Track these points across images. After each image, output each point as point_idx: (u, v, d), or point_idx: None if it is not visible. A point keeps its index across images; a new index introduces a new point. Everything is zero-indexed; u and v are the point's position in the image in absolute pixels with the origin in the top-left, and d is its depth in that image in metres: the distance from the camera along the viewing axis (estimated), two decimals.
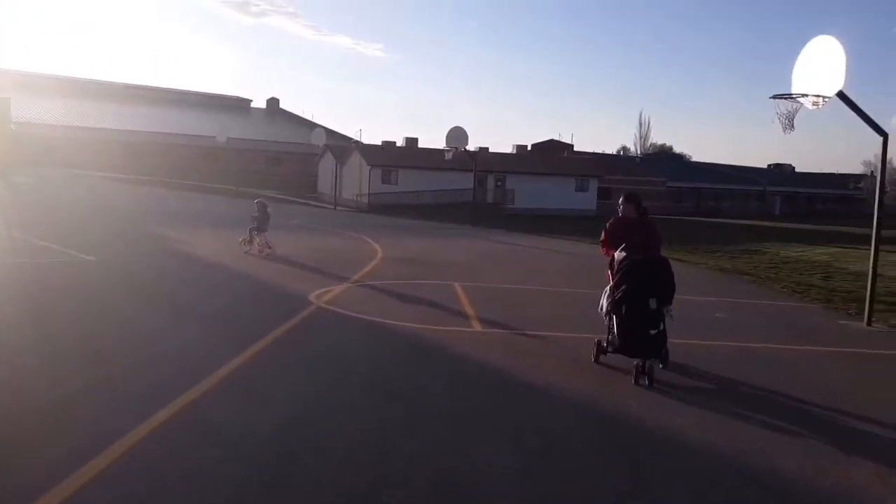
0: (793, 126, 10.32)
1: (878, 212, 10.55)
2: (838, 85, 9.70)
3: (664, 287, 6.50)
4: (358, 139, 61.91)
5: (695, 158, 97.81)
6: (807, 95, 10.00)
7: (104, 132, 59.40)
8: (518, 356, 7.24)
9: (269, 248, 15.08)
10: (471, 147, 61.44)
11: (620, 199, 7.37)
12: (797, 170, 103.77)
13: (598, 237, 7.76)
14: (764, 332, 9.51)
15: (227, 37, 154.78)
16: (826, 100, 9.99)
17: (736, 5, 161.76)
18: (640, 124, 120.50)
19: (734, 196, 79.58)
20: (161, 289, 10.65)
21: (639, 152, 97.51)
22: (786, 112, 10.29)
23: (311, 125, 67.74)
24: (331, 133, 68.84)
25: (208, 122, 64.50)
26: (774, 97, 10.34)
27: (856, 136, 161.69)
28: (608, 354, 6.80)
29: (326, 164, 54.31)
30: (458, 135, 29.19)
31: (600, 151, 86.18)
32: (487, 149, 59.99)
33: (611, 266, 6.89)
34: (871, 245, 10.65)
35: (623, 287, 6.46)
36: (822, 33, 9.94)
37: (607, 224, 7.31)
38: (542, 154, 62.04)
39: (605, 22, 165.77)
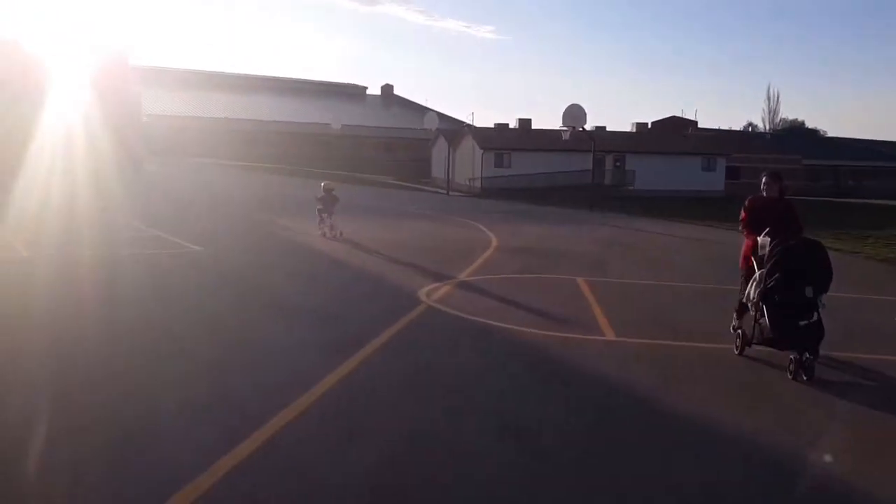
0: None
1: None
2: None
3: (822, 274, 6.02)
4: (470, 122, 61.00)
5: (831, 134, 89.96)
6: None
7: (226, 122, 61.72)
8: (666, 376, 6.00)
9: (337, 232, 14.99)
10: (588, 126, 59.41)
11: (763, 178, 6.98)
12: None
13: (733, 221, 6.99)
14: None
15: (342, 26, 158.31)
16: None
17: None
18: (769, 98, 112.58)
19: (878, 174, 72.63)
20: (265, 283, 10.04)
21: (768, 128, 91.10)
22: None
23: (425, 110, 67.44)
24: (443, 117, 68.38)
25: (324, 110, 65.65)
26: None
27: None
28: (752, 346, 6.45)
29: (439, 149, 53.78)
30: (575, 113, 27.49)
31: (726, 128, 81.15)
32: (605, 128, 57.51)
33: (752, 250, 6.55)
34: None
35: (777, 275, 6.00)
36: None
37: (746, 203, 6.98)
38: (664, 132, 58.69)
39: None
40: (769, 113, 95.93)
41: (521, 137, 51.36)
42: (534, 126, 55.49)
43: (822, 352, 6.01)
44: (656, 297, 9.85)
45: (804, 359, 5.90)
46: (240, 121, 63.09)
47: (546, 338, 7.12)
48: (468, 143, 49.98)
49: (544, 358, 6.52)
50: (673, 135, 58.23)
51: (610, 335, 7.38)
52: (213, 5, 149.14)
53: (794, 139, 74.62)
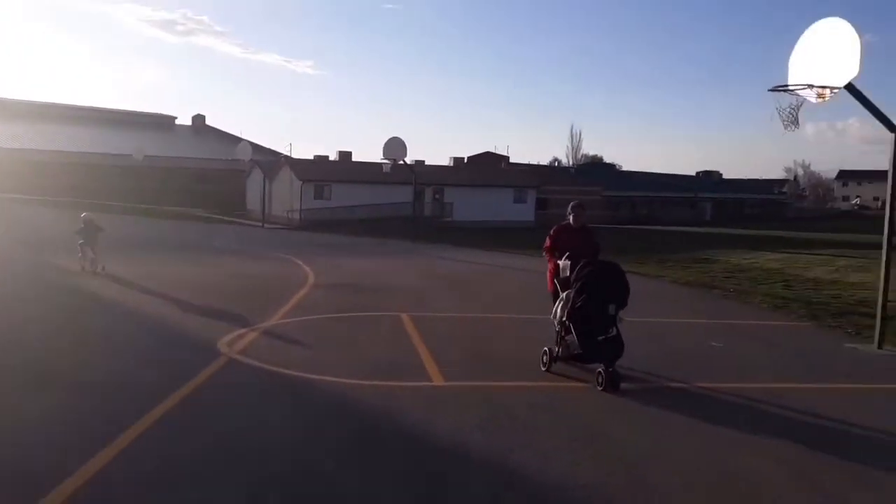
0: (797, 122, 8.83)
1: (889, 218, 9.17)
2: (851, 74, 8.27)
3: (622, 293, 6.64)
4: (288, 154, 59.28)
5: (626, 168, 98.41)
6: (811, 87, 8.53)
7: (14, 152, 54.93)
8: (503, 427, 5.36)
9: (98, 266, 14.24)
10: (408, 160, 59.99)
11: (570, 208, 7.70)
12: (724, 176, 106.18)
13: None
14: (775, 365, 7.94)
15: (154, 57, 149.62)
16: (834, 92, 8.55)
17: (656, 18, 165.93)
18: (572, 136, 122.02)
19: (667, 203, 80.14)
20: (23, 339, 8.25)
21: (572, 163, 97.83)
22: (787, 107, 8.80)
23: (239, 141, 64.67)
24: (259, 149, 65.82)
25: (127, 140, 60.65)
26: (774, 90, 8.84)
27: (778, 143, 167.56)
28: (558, 362, 6.93)
29: (255, 181, 51.53)
30: (395, 146, 27.19)
31: (535, 163, 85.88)
32: (423, 161, 58.30)
33: (556, 273, 7.12)
34: (882, 255, 9.25)
35: (584, 295, 6.55)
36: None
37: (552, 231, 7.61)
38: (479, 166, 60.69)
39: (533, 38, 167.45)
40: (572, 149, 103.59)
41: (342, 169, 50.56)
42: (354, 159, 54.98)
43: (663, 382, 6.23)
44: (482, 331, 9.32)
45: (610, 370, 6.43)
46: (31, 151, 56.41)
47: (368, 390, 6.26)
48: (286, 175, 48.31)
49: (366, 416, 5.62)
50: (488, 168, 60.35)
51: (438, 380, 6.66)
52: (16, 32, 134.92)
53: (595, 173, 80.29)
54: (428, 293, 12.87)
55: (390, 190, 47.33)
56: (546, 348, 7.07)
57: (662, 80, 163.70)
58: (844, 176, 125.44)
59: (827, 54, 8.45)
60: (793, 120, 8.81)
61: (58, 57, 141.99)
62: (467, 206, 50.10)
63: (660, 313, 11.24)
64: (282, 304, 10.70)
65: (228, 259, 18.72)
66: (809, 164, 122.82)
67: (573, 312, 6.60)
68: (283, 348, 7.87)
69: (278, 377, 6.64)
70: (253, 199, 52.11)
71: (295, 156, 58.53)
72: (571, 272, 6.77)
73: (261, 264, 17.79)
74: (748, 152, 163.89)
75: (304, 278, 14.44)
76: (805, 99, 8.70)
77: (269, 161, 53.30)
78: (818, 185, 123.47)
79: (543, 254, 7.64)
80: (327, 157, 56.47)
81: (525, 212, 52.82)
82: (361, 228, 38.07)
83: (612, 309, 6.52)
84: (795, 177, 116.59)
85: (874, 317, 11.35)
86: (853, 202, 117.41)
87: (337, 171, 49.73)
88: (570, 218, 7.60)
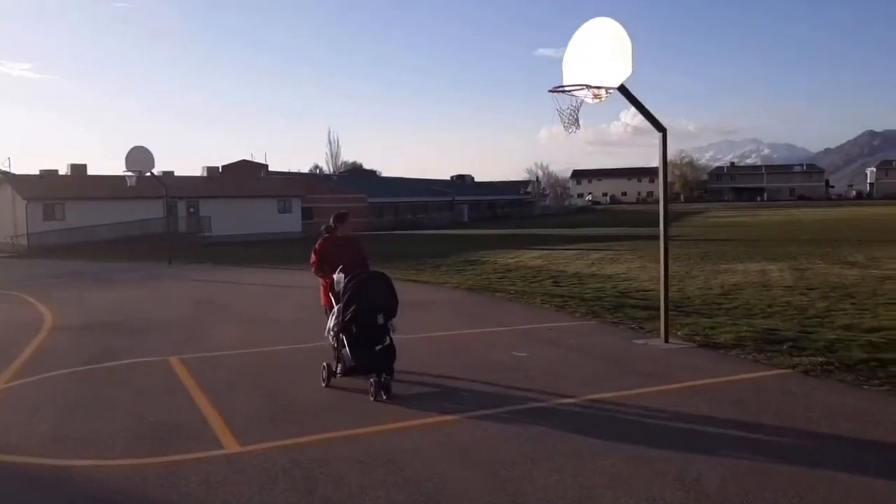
0: (577, 123, 8.82)
1: (664, 211, 9.53)
2: (625, 74, 8.39)
3: (390, 302, 6.72)
4: (7, 169, 51.32)
5: (385, 174, 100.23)
6: (588, 87, 8.55)
7: None
8: (330, 501, 4.33)
9: None
10: (155, 171, 54.94)
11: (333, 219, 7.49)
12: (476, 179, 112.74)
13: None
14: (584, 372, 7.75)
15: None
16: (609, 92, 8.65)
17: (409, 26, 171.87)
18: (330, 143, 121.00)
19: (428, 208, 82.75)
20: None
21: (332, 170, 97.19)
22: (567, 108, 8.74)
23: None
24: None
25: None
26: (553, 91, 8.73)
27: (519, 147, 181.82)
28: (338, 376, 6.88)
29: None
30: (140, 157, 24.18)
31: (295, 170, 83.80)
32: (173, 172, 53.82)
33: (330, 287, 7.00)
34: (661, 250, 9.58)
35: (353, 307, 6.56)
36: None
37: (317, 245, 7.40)
38: (237, 176, 57.54)
39: (284, 38, 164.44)
40: (332, 156, 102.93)
41: (76, 185, 44.79)
42: (90, 172, 49.09)
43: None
44: (271, 369, 8.00)
45: (383, 379, 6.48)
46: None
47: (137, 474, 4.83)
48: (6, 194, 41.74)
49: None
50: (246, 178, 57.45)
51: (231, 445, 5.37)
52: None
53: (357, 180, 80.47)
54: (197, 326, 11.10)
55: (137, 205, 43.00)
56: (324, 363, 7.04)
57: (415, 86, 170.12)
58: (578, 175, 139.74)
59: (600, 55, 8.51)
60: (573, 121, 8.79)
61: None
62: (226, 219, 47.13)
63: (456, 324, 10.83)
64: (10, 360, 8.46)
65: None
66: (548, 166, 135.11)
67: (344, 325, 6.63)
68: (11, 424, 6.03)
69: (2, 470, 4.94)
70: None
71: (16, 171, 50.85)
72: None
73: None
74: (495, 156, 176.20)
75: (38, 320, 11.89)
76: (583, 100, 8.70)
77: None
78: (556, 185, 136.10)
79: (313, 271, 7.45)
80: (56, 171, 49.80)
81: (291, 222, 51.07)
82: (106, 251, 33.89)
83: (380, 318, 6.60)
84: (537, 178, 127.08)
85: (646, 309, 12.08)
86: (587, 198, 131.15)
87: (70, 187, 43.99)
88: (336, 229, 7.48)
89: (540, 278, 17.39)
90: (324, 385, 6.95)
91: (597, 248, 27.69)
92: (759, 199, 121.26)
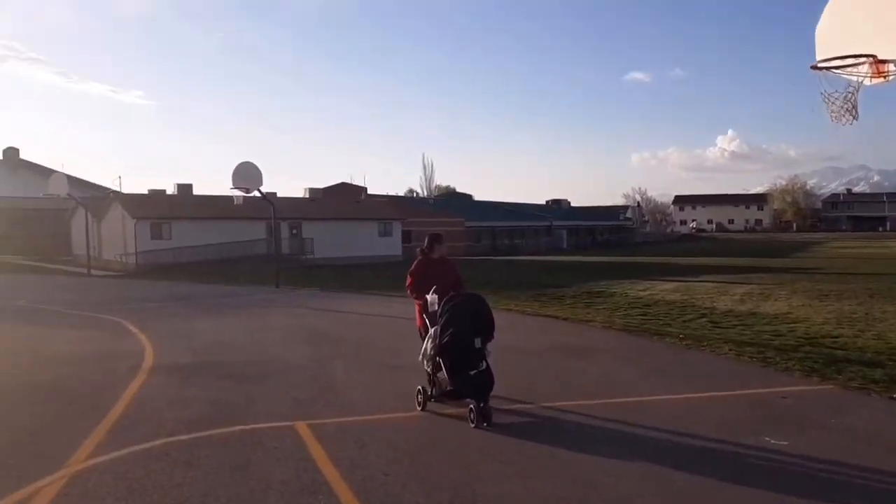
0: (854, 111, 6.34)
1: None
2: None
3: (486, 325, 6.57)
4: (117, 189, 52.46)
5: (479, 198, 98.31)
6: (873, 60, 6.07)
7: None
8: None
9: None
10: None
11: (427, 241, 7.42)
12: (573, 204, 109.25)
13: None
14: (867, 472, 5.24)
15: None
16: None
17: (503, 50, 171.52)
18: (424, 167, 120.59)
19: (526, 233, 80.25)
20: None
21: (426, 194, 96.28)
22: (841, 92, 6.29)
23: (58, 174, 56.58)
24: (84, 184, 58.15)
25: None
26: (819, 66, 6.30)
27: (612, 171, 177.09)
28: (432, 400, 6.77)
29: (80, 221, 44.91)
30: (248, 173, 22.99)
31: (391, 193, 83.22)
32: (275, 194, 53.76)
33: (423, 309, 6.96)
34: None
35: (451, 330, 6.44)
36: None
37: (412, 267, 7.34)
38: (338, 198, 56.91)
39: (380, 62, 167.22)
40: (426, 180, 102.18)
41: (182, 204, 44.98)
42: (196, 192, 49.46)
43: None
44: (426, 451, 5.92)
45: (482, 406, 6.27)
46: None
47: None
48: (117, 213, 42.19)
49: None
50: (347, 200, 56.78)
51: None
52: None
53: (452, 204, 79.05)
54: (320, 373, 9.05)
55: (241, 226, 42.69)
56: (419, 387, 6.94)
57: (506, 110, 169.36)
58: (680, 201, 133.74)
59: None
60: (848, 109, 6.30)
61: None
62: (329, 241, 46.30)
63: (641, 383, 8.44)
64: (97, 417, 6.67)
65: (31, 328, 13.92)
66: (646, 191, 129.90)
67: (441, 348, 6.48)
68: None
69: None
70: (79, 243, 45.33)
71: (126, 191, 51.86)
72: (438, 306, 6.64)
73: (78, 333, 13.18)
74: (588, 181, 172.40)
75: (137, 356, 10.25)
76: (861, 81, 6.23)
77: (96, 197, 46.63)
78: (655, 210, 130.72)
79: (407, 293, 7.41)
80: (164, 191, 50.48)
81: (391, 246, 49.79)
82: (211, 272, 33.25)
83: (477, 342, 6.45)
84: (638, 203, 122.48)
85: (872, 365, 9.34)
86: (690, 225, 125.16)
87: (177, 207, 44.16)
88: (433, 251, 7.42)
89: (690, 316, 14.88)
90: (419, 409, 6.84)
91: (735, 281, 24.56)
92: (880, 229, 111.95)
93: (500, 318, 7.72)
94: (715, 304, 17.37)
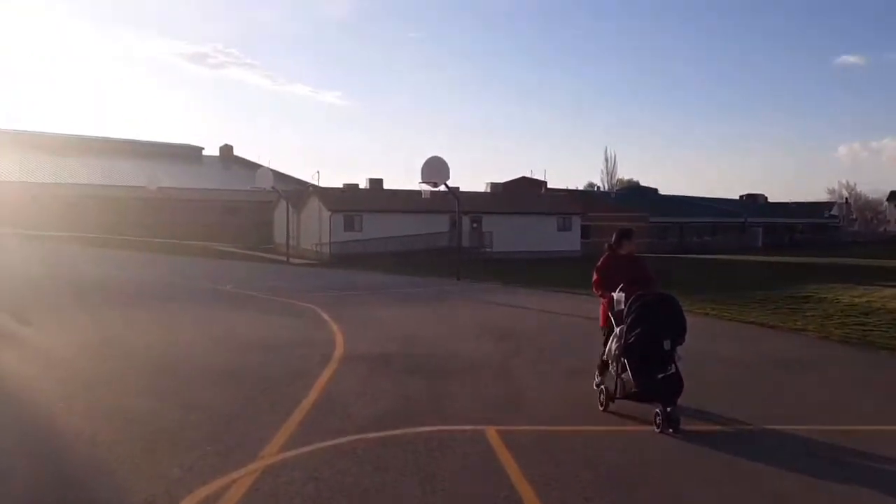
0: None
1: None
2: None
3: (678, 326, 6.24)
4: (315, 183, 56.11)
5: (662, 191, 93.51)
6: None
7: (40, 186, 52.43)
8: None
9: None
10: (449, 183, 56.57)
11: (616, 236, 7.14)
12: (770, 199, 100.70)
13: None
14: None
15: (186, 90, 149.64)
16: None
17: (687, 40, 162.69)
18: (607, 160, 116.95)
19: (716, 230, 75.42)
20: None
21: (607, 188, 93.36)
22: None
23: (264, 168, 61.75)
24: (286, 178, 62.97)
25: (152, 171, 58.04)
26: None
27: (815, 164, 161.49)
28: (615, 401, 6.59)
29: (282, 213, 48.58)
30: (436, 167, 23.34)
31: (571, 188, 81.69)
32: (458, 188, 54.81)
33: (610, 307, 6.70)
34: None
35: (638, 330, 6.18)
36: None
37: (599, 263, 7.08)
38: (517, 193, 56.80)
39: (560, 60, 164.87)
40: (608, 174, 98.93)
41: (374, 198, 47.13)
42: (386, 187, 51.58)
43: None
44: (636, 469, 5.36)
45: (668, 410, 6.03)
46: (59, 185, 53.68)
47: None
48: (314, 206, 45.05)
49: None
50: (527, 194, 56.52)
51: None
52: (50, 64, 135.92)
53: (635, 198, 75.99)
54: (507, 374, 8.78)
55: (424, 219, 43.83)
56: (603, 386, 6.83)
57: (694, 99, 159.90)
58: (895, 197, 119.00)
59: None
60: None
61: (95, 91, 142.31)
62: (508, 235, 46.32)
63: (887, 414, 7.19)
64: (290, 406, 6.83)
65: (238, 313, 14.96)
66: (855, 185, 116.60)
67: (626, 348, 6.27)
68: None
69: None
70: (280, 232, 49.09)
71: (323, 185, 55.31)
72: (625, 304, 6.41)
73: (271, 319, 13.99)
74: (787, 174, 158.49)
75: (329, 345, 10.60)
76: None
77: (297, 191, 50.21)
78: (865, 208, 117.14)
79: (594, 290, 7.08)
80: (357, 185, 53.17)
81: (570, 241, 48.85)
82: (396, 263, 34.45)
83: (667, 344, 6.15)
84: (846, 200, 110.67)
85: None
86: None
87: (368, 200, 46.34)
88: (615, 247, 7.12)
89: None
90: (601, 409, 6.74)
91: None
92: None
93: (695, 322, 6.98)
94: None
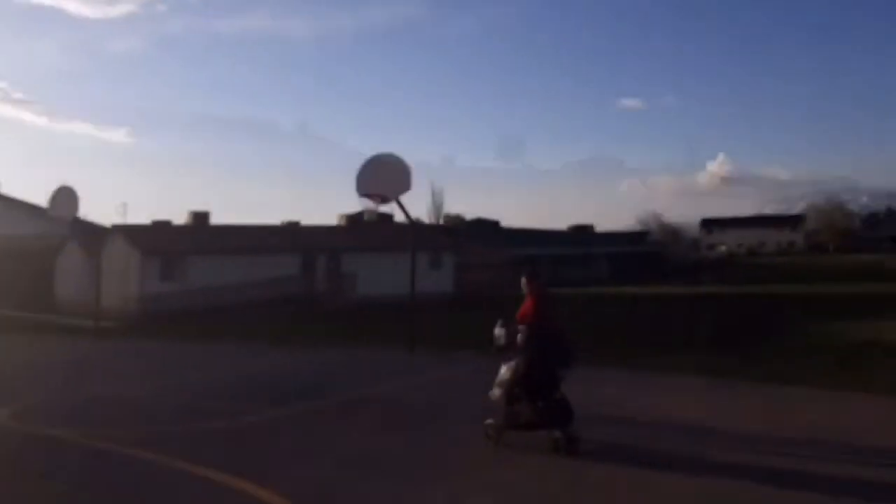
0: None
1: None
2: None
3: (568, 355, 6.73)
4: (120, 220, 43.55)
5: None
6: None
7: None
8: None
9: None
10: (279, 221, 46.74)
11: (527, 275, 7.41)
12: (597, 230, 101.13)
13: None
14: None
15: None
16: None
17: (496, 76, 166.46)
18: (433, 193, 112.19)
19: (564, 262, 72.26)
20: None
21: (434, 222, 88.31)
22: None
23: (43, 210, 47.50)
24: (76, 222, 49.53)
25: None
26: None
27: (604, 197, 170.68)
28: (520, 429, 6.78)
29: (69, 259, 36.86)
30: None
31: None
32: (298, 223, 45.51)
33: (512, 341, 7.00)
34: None
35: (529, 360, 6.59)
36: None
37: (537, 300, 7.15)
38: (373, 226, 48.42)
39: (373, 89, 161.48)
40: (435, 207, 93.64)
41: (198, 237, 36.72)
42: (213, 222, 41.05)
43: None
44: None
45: (567, 433, 6.50)
46: None
47: None
48: (118, 248, 33.79)
49: None
50: (387, 228, 48.54)
51: None
52: None
53: (485, 232, 71.28)
54: None
55: (266, 262, 34.85)
56: (489, 421, 6.96)
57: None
58: (708, 223, 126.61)
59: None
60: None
61: None
62: (373, 276, 38.18)
63: None
64: None
65: None
66: (662, 215, 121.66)
67: (525, 379, 6.56)
68: None
69: None
70: (65, 284, 37.10)
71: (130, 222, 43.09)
72: (509, 338, 6.90)
73: None
74: (589, 207, 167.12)
75: None
76: None
77: (93, 229, 38.27)
78: (674, 234, 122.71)
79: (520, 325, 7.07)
80: (169, 222, 41.69)
81: (442, 280, 41.58)
82: (241, 324, 25.06)
83: (561, 373, 6.59)
84: (675, 230, 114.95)
85: None
86: (721, 248, 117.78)
87: (191, 239, 35.95)
88: (536, 286, 7.30)
89: None
90: (492, 444, 6.78)
91: None
92: None
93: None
94: None
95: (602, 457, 6.47)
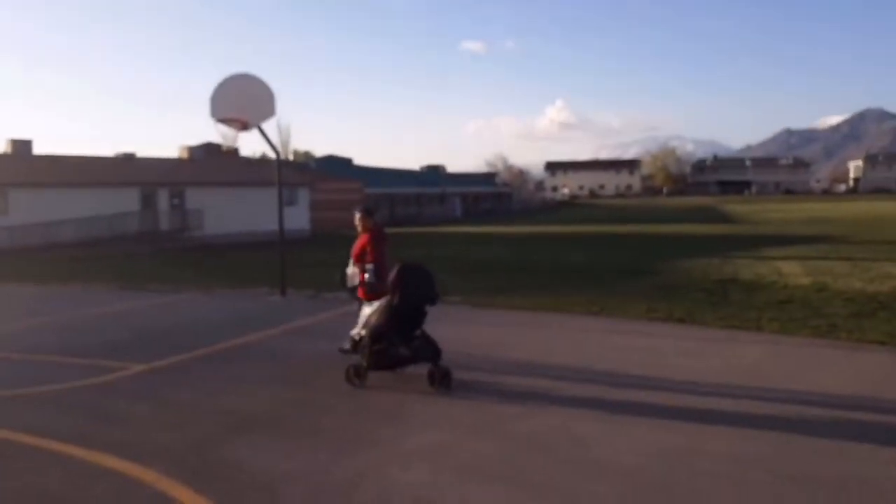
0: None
1: None
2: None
3: (433, 291, 6.60)
4: None
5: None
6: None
7: None
8: None
9: None
10: (117, 151, 42.87)
11: (362, 212, 7.45)
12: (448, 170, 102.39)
13: None
14: None
15: None
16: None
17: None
18: (280, 129, 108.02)
19: (421, 201, 72.61)
20: None
21: (284, 158, 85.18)
22: None
23: None
24: None
25: None
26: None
27: (449, 138, 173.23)
28: (395, 370, 6.72)
29: None
30: (246, 96, 12.83)
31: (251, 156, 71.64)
32: (133, 154, 41.88)
33: (363, 283, 7.14)
34: None
35: (403, 297, 6.45)
36: None
37: (371, 237, 7.23)
38: (220, 159, 45.76)
39: (226, 25, 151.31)
40: (282, 145, 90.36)
41: (21, 167, 32.89)
42: (36, 152, 36.89)
43: None
44: None
45: (439, 366, 6.48)
46: None
47: None
48: None
49: None
50: (235, 162, 46.01)
51: None
52: None
53: (339, 169, 69.68)
54: None
55: (101, 196, 32.11)
56: (350, 366, 6.73)
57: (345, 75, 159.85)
58: (552, 167, 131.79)
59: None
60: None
61: None
62: (221, 213, 36.31)
63: None
64: None
65: None
66: (508, 158, 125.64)
67: (392, 317, 6.50)
68: None
69: None
70: None
71: None
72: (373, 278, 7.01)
73: None
74: (431, 147, 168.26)
75: None
76: None
77: None
78: (519, 177, 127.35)
79: (355, 264, 7.32)
80: None
81: (297, 217, 40.27)
82: (80, 263, 22.96)
83: (425, 308, 6.59)
84: (521, 171, 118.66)
85: None
86: (563, 191, 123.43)
87: (14, 170, 32.17)
88: (371, 223, 7.39)
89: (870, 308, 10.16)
90: (357, 385, 6.61)
91: (827, 255, 19.14)
92: (746, 192, 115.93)
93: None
94: (867, 288, 12.02)
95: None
